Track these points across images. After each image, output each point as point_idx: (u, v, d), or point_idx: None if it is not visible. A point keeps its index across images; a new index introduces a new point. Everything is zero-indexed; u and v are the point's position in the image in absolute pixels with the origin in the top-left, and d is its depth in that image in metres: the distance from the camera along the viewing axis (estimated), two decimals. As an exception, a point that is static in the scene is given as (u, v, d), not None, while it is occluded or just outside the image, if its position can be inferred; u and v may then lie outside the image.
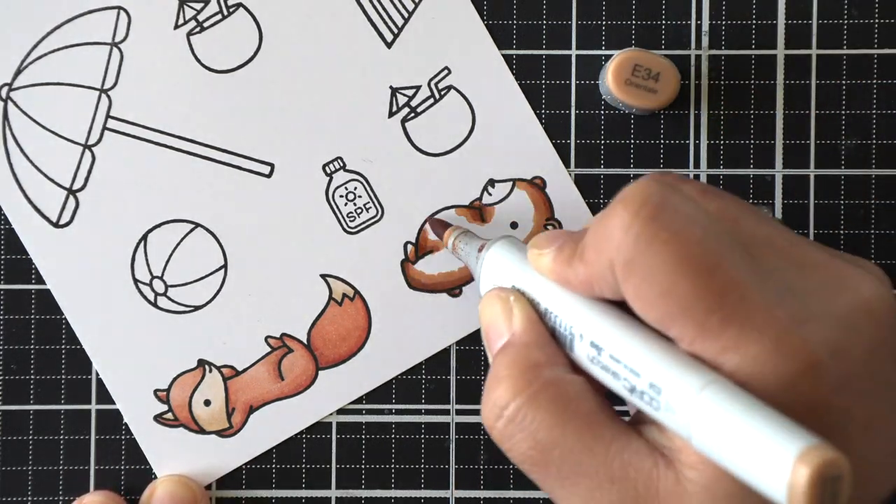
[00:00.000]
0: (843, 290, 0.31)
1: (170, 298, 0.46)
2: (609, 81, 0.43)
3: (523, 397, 0.32)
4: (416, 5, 0.46)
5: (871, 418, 0.30)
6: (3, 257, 0.46)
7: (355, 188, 0.46)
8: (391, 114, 0.46)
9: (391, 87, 0.46)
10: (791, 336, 0.29)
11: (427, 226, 0.45)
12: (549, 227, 0.46)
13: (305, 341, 0.46)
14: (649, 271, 0.30)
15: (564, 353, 0.34)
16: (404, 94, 0.46)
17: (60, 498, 0.46)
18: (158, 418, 0.46)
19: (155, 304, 0.46)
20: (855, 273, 0.32)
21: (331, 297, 0.46)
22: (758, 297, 0.29)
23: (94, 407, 0.46)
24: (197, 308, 0.46)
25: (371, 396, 0.46)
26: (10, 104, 0.46)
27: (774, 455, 0.26)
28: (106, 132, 0.46)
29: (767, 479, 0.26)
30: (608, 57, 0.46)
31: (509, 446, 0.33)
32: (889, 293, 0.31)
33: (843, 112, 0.46)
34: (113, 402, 0.46)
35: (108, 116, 0.46)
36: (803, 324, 0.29)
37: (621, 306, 0.32)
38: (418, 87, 0.46)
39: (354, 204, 0.46)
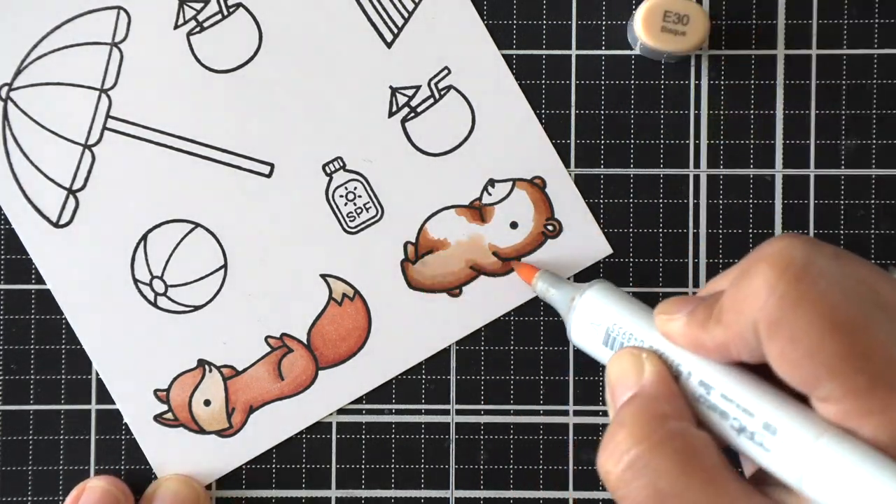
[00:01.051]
0: None
1: (170, 298, 0.46)
2: (640, 30, 0.43)
3: (647, 444, 0.32)
4: (416, 5, 0.46)
5: None
6: (3, 257, 0.46)
7: (355, 188, 0.46)
8: (391, 114, 0.46)
9: (391, 87, 0.46)
10: None
11: (514, 269, 0.46)
12: (549, 227, 0.46)
13: (305, 341, 0.46)
14: (796, 332, 0.30)
15: (693, 410, 0.34)
16: (404, 94, 0.46)
17: (60, 498, 0.46)
18: (158, 418, 0.46)
19: (155, 304, 0.46)
20: None
21: (331, 297, 0.46)
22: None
23: (94, 407, 0.46)
24: (197, 308, 0.46)
25: (371, 396, 0.46)
26: (10, 104, 0.46)
27: None
28: (106, 132, 0.46)
29: None
30: (608, 57, 0.46)
31: (625, 493, 0.32)
32: None
33: (843, 112, 0.45)
34: (113, 402, 0.46)
35: (107, 116, 0.46)
36: None
37: (754, 371, 0.33)
38: (418, 87, 0.46)
39: (354, 204, 0.46)
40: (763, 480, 0.33)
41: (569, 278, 0.46)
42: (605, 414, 0.45)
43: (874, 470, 0.28)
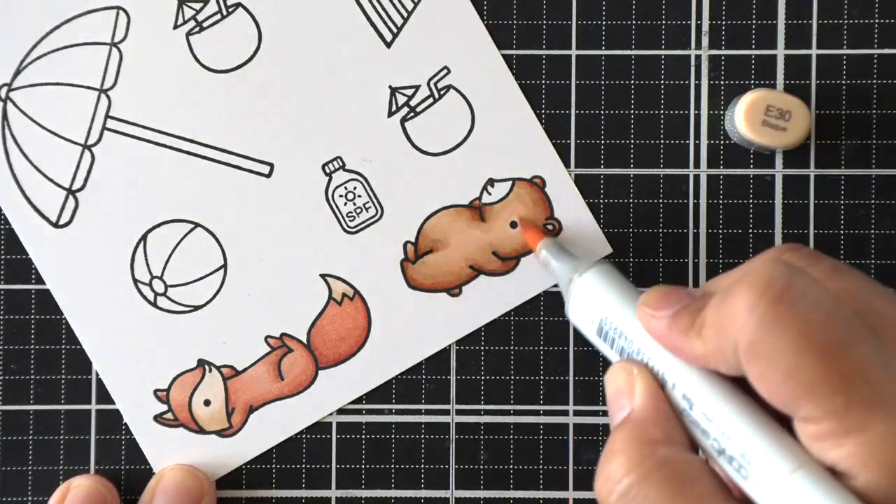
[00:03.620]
0: None
1: (170, 298, 0.46)
2: (741, 122, 0.43)
3: (637, 474, 0.32)
4: (416, 5, 0.46)
5: None
6: (3, 257, 0.46)
7: (355, 188, 0.46)
8: (391, 113, 0.46)
9: (390, 87, 0.46)
10: None
11: (519, 226, 0.45)
12: (549, 227, 0.46)
13: (305, 341, 0.46)
14: (773, 354, 0.30)
15: (685, 431, 0.34)
16: (404, 94, 0.46)
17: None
18: (158, 418, 0.46)
19: (155, 304, 0.46)
20: None
21: (330, 297, 0.46)
22: (883, 380, 0.29)
23: (94, 407, 0.46)
24: (197, 308, 0.46)
25: (371, 396, 0.46)
26: (9, 104, 0.45)
27: None
28: (105, 132, 0.46)
29: None
30: (608, 57, 0.46)
31: None
32: None
33: (843, 112, 0.45)
34: (113, 402, 0.46)
35: (107, 116, 0.46)
36: None
37: (736, 383, 0.33)
38: (418, 87, 0.46)
39: (354, 204, 0.46)
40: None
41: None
42: (605, 414, 0.46)
43: None
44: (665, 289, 0.35)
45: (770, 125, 0.42)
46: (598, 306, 0.38)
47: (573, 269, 0.40)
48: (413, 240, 0.46)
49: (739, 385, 0.33)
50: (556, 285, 0.46)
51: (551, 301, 0.46)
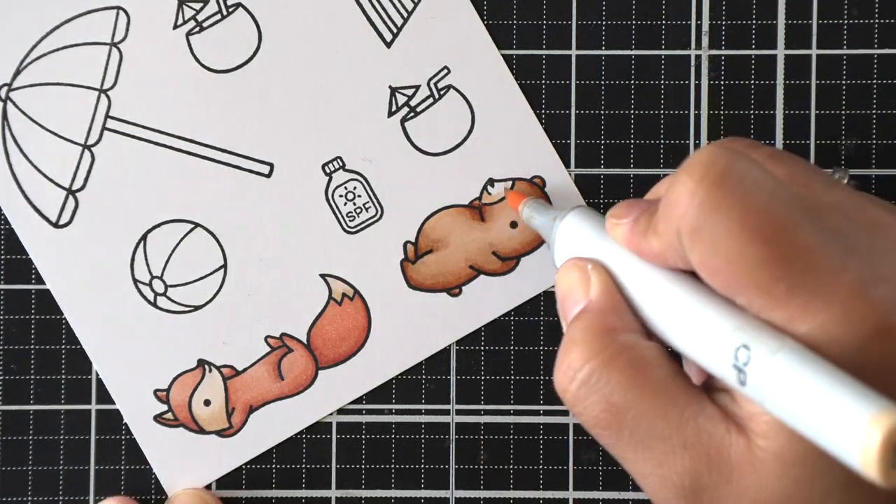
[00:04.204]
0: None
1: (169, 298, 0.46)
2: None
3: (598, 360, 0.32)
4: (416, 5, 0.46)
5: None
6: (3, 257, 0.46)
7: (355, 188, 0.46)
8: (390, 113, 0.46)
9: (390, 87, 0.46)
10: (859, 301, 0.29)
11: (506, 195, 0.45)
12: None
13: (305, 341, 0.46)
14: (714, 239, 0.29)
15: (641, 321, 0.34)
16: (404, 94, 0.46)
17: (60, 498, 0.46)
18: (158, 418, 0.46)
19: (155, 304, 0.46)
20: None
21: (330, 297, 0.46)
22: (824, 263, 0.29)
23: (94, 407, 0.46)
24: (197, 308, 0.46)
25: (371, 396, 0.46)
26: (9, 104, 0.45)
27: (848, 418, 0.26)
28: (105, 132, 0.46)
29: (841, 442, 0.26)
30: (608, 57, 0.46)
31: (581, 409, 0.33)
32: None
33: (843, 112, 0.45)
34: (113, 402, 0.46)
35: (107, 116, 0.46)
36: (871, 287, 0.29)
37: (696, 277, 0.32)
38: (417, 87, 0.46)
39: (354, 203, 0.46)
40: (711, 386, 0.33)
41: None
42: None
43: (823, 382, 0.27)
44: (629, 200, 0.36)
45: None
46: (582, 245, 0.37)
47: (554, 215, 0.40)
48: (413, 240, 0.46)
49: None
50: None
51: (551, 301, 0.46)
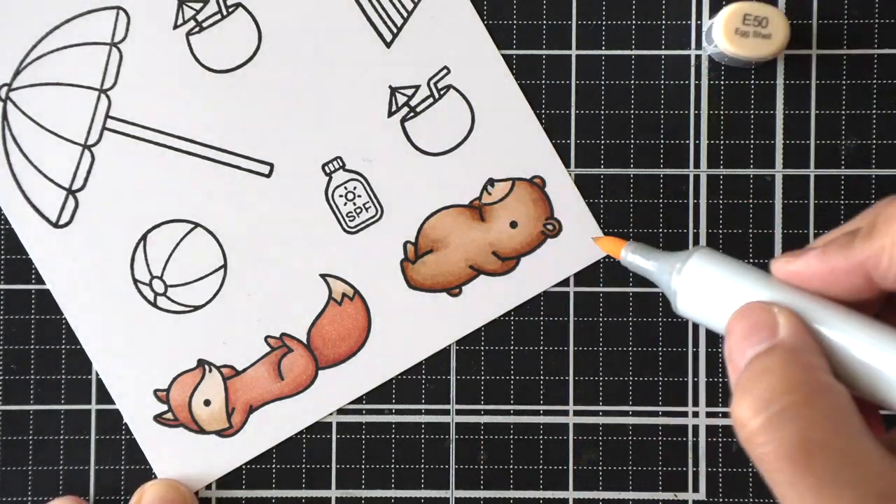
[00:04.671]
0: None
1: (169, 298, 0.46)
2: (721, 37, 0.43)
3: (801, 392, 0.31)
4: (416, 5, 0.46)
5: None
6: (3, 257, 0.46)
7: (355, 188, 0.46)
8: (390, 113, 0.46)
9: (390, 87, 0.46)
10: None
11: (594, 242, 0.43)
12: (549, 227, 0.46)
13: (305, 341, 0.46)
14: None
15: (831, 365, 0.33)
16: (403, 94, 0.46)
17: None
18: (158, 418, 0.46)
19: (155, 304, 0.46)
20: None
21: (330, 297, 0.46)
22: None
23: (94, 407, 0.46)
24: (197, 308, 0.46)
25: (371, 396, 0.46)
26: (9, 104, 0.45)
27: None
28: (105, 132, 0.46)
29: None
30: (608, 57, 0.46)
31: (767, 439, 0.31)
32: None
33: (843, 112, 0.45)
34: (113, 402, 0.46)
35: (107, 116, 0.46)
36: None
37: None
38: (417, 87, 0.46)
39: (354, 204, 0.46)
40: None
41: (568, 279, 0.46)
42: (604, 414, 0.46)
43: None
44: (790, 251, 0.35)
45: (749, 34, 0.42)
46: (716, 282, 0.36)
47: (673, 260, 0.37)
48: (413, 240, 0.46)
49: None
50: (556, 285, 0.46)
51: (551, 301, 0.46)
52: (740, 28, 0.42)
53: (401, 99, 0.46)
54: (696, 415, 0.45)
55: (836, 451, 0.30)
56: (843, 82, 0.45)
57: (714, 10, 0.45)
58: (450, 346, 0.46)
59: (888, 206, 0.31)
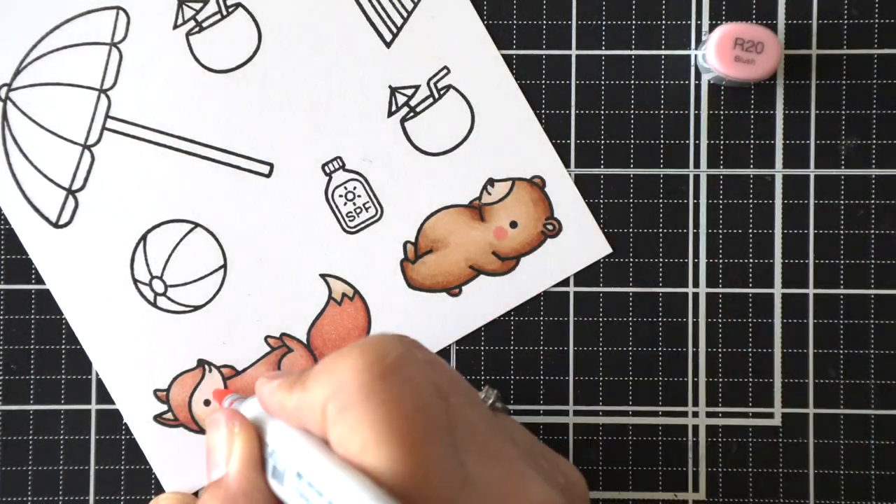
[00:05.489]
0: (515, 496, 0.32)
1: (169, 298, 0.46)
2: (713, 57, 0.43)
3: None
4: (416, 5, 0.46)
5: None
6: (3, 257, 0.46)
7: (355, 188, 0.46)
8: (390, 113, 0.46)
9: (390, 87, 0.46)
10: None
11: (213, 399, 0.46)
12: (549, 227, 0.46)
13: (305, 341, 0.46)
14: (359, 425, 0.31)
15: (275, 500, 0.35)
16: (403, 94, 0.46)
17: (60, 498, 0.46)
18: (158, 418, 0.46)
19: (155, 304, 0.46)
20: (533, 480, 0.33)
21: (330, 297, 0.46)
22: (442, 488, 0.31)
23: (94, 407, 0.46)
24: (197, 308, 0.46)
25: (371, 396, 0.46)
26: (9, 104, 0.45)
27: None
28: (105, 132, 0.46)
29: None
30: (608, 57, 0.46)
31: None
32: None
33: (843, 112, 0.45)
34: (113, 402, 0.46)
35: (107, 116, 0.46)
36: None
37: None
38: (417, 87, 0.46)
39: (354, 203, 0.46)
40: None
41: (568, 279, 0.46)
42: (604, 414, 0.46)
43: None
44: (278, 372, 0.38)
45: (742, 59, 0.42)
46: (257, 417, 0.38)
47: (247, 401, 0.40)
48: (413, 240, 0.46)
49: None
50: (556, 285, 0.46)
51: (551, 301, 0.46)
52: (735, 53, 0.43)
53: (401, 99, 0.46)
54: (695, 415, 0.46)
55: None
56: (843, 82, 0.45)
57: (714, 8, 0.45)
58: (450, 346, 0.46)
59: (327, 360, 0.33)
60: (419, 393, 0.32)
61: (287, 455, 0.34)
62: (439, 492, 0.31)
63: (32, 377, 0.46)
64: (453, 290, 0.46)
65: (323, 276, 0.46)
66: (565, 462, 0.37)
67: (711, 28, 0.45)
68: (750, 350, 0.45)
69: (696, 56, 0.45)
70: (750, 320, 0.46)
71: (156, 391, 0.46)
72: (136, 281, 0.46)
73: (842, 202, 0.45)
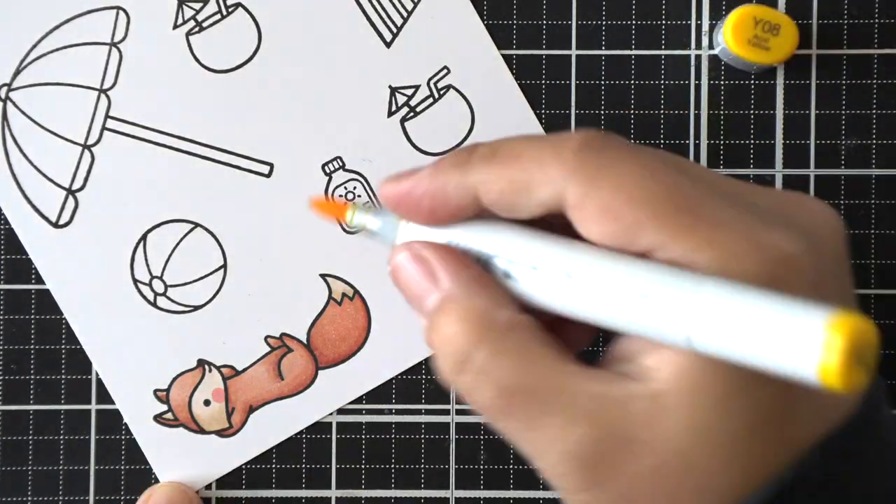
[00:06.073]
0: (801, 208, 0.31)
1: (169, 298, 0.46)
2: (728, 41, 0.43)
3: (485, 345, 0.31)
4: (416, 5, 0.46)
5: None
6: (3, 257, 0.46)
7: (355, 188, 0.46)
8: (390, 113, 0.46)
9: (390, 87, 0.46)
10: (762, 234, 0.28)
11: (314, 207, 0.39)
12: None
13: (305, 341, 0.46)
14: (617, 180, 0.29)
15: (507, 291, 0.32)
16: (403, 94, 0.46)
17: (60, 498, 0.46)
18: (158, 418, 0.46)
19: (154, 304, 0.46)
20: (808, 197, 0.32)
21: (330, 297, 0.46)
22: (723, 204, 0.29)
23: (94, 407, 0.46)
24: (197, 308, 0.46)
25: (371, 396, 0.46)
26: (9, 104, 0.45)
27: (800, 331, 0.25)
28: (105, 132, 0.46)
29: (793, 359, 0.25)
30: (608, 57, 0.46)
31: (473, 398, 0.31)
32: (837, 215, 0.31)
33: (843, 112, 0.45)
34: (113, 402, 0.46)
35: (107, 116, 0.45)
36: (770, 228, 0.29)
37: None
38: (417, 87, 0.46)
39: (354, 204, 0.46)
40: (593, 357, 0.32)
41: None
42: (604, 414, 0.45)
43: (765, 303, 0.26)
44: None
45: (756, 44, 0.42)
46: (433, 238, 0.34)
47: (394, 217, 0.36)
48: (413, 240, 0.46)
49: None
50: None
51: (551, 301, 0.46)
52: (750, 35, 0.43)
53: (401, 99, 0.46)
54: (696, 415, 0.45)
55: (532, 388, 0.30)
56: (843, 82, 0.45)
57: (714, 8, 0.45)
58: (450, 346, 0.46)
59: (512, 141, 0.31)
60: (645, 150, 0.30)
61: (530, 252, 0.31)
62: (723, 210, 0.29)
63: (32, 377, 0.46)
64: (453, 290, 0.46)
65: (323, 276, 0.46)
66: (797, 196, 0.33)
67: (712, 24, 0.45)
68: (750, 350, 0.45)
69: (706, 29, 0.45)
70: (750, 320, 0.45)
71: (156, 391, 0.46)
72: (136, 281, 0.46)
73: (842, 202, 0.45)
